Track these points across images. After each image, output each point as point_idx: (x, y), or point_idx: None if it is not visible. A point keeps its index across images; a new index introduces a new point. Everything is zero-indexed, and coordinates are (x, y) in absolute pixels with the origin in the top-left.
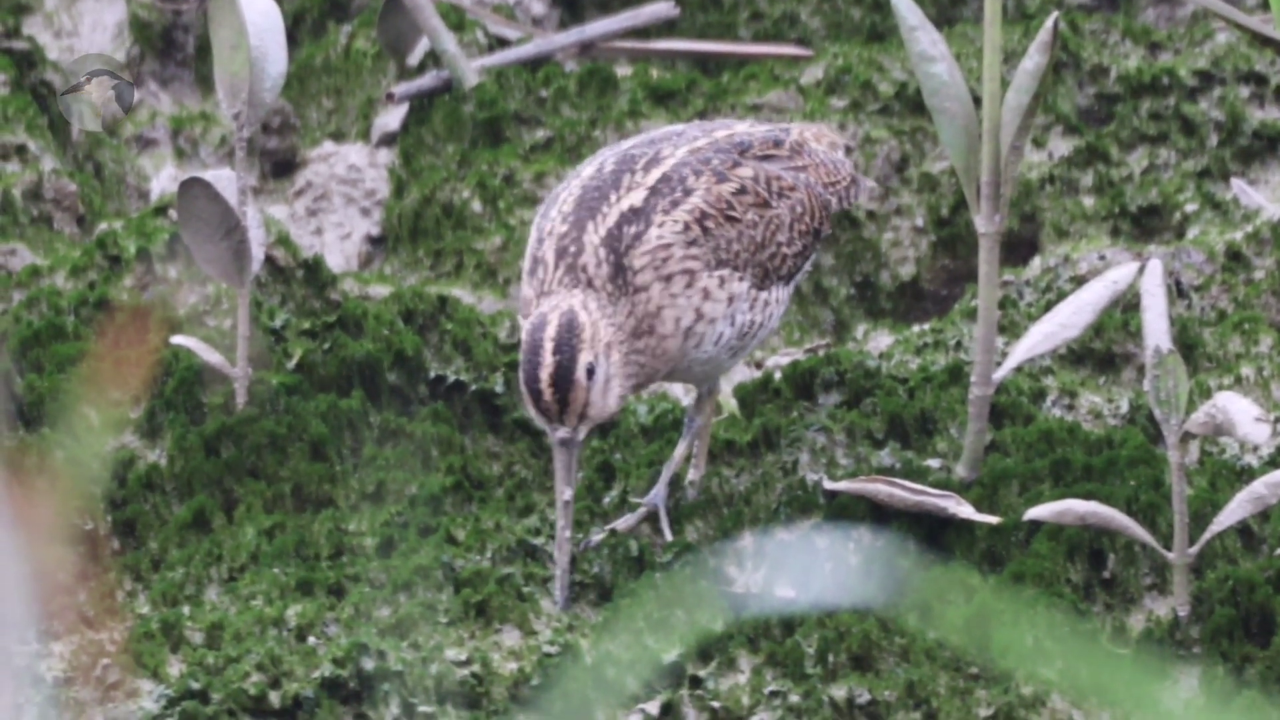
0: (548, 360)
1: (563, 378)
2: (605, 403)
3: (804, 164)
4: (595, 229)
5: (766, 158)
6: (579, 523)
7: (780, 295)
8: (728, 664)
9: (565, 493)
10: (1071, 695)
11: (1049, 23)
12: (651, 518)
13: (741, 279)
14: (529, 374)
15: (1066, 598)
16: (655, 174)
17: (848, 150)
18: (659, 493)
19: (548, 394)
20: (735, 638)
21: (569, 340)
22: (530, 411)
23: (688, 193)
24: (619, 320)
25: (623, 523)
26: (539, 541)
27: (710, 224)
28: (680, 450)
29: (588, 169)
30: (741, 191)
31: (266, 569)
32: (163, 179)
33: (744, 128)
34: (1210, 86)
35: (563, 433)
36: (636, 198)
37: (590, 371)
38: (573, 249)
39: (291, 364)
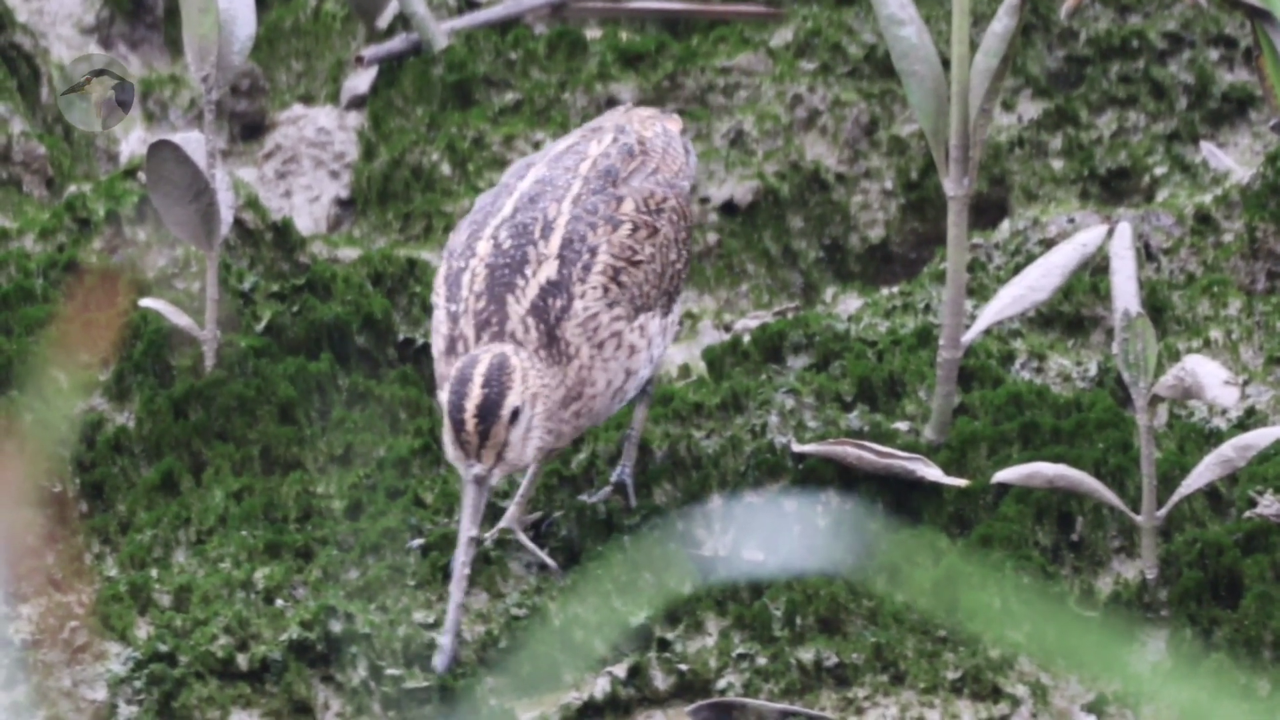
0: (475, 392)
1: (488, 411)
2: (523, 450)
3: (655, 164)
4: (518, 301)
5: (630, 176)
6: (548, 486)
7: (677, 309)
8: (695, 627)
9: (472, 530)
10: (1039, 658)
11: None
12: (620, 489)
13: (653, 315)
14: (454, 404)
15: (1034, 560)
16: (556, 241)
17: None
18: (625, 469)
19: (470, 424)
20: (703, 600)
21: (499, 378)
22: (450, 451)
23: (593, 252)
24: (551, 383)
25: (592, 497)
26: (506, 504)
27: (624, 277)
28: (639, 416)
29: (481, 245)
30: (635, 230)
31: (234, 531)
32: (132, 142)
33: (595, 149)
34: (1180, 49)
35: (478, 469)
36: (550, 270)
37: (515, 414)
38: (495, 320)
39: (260, 327)
